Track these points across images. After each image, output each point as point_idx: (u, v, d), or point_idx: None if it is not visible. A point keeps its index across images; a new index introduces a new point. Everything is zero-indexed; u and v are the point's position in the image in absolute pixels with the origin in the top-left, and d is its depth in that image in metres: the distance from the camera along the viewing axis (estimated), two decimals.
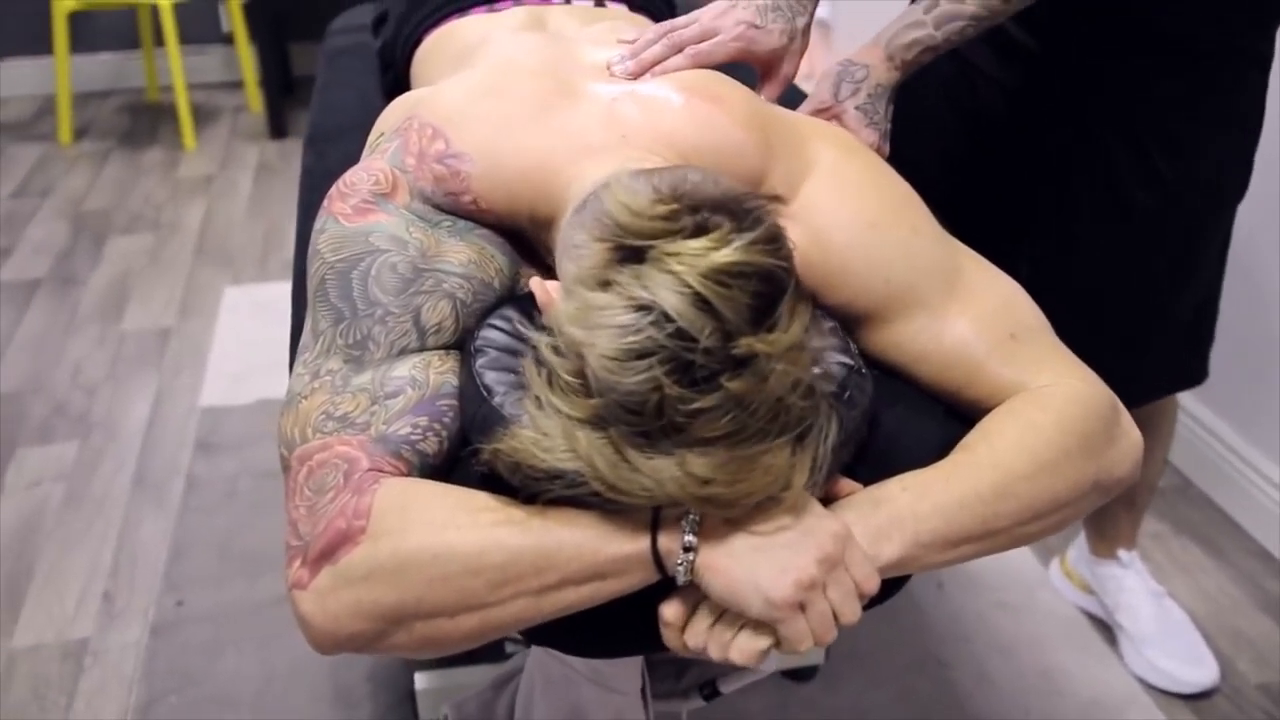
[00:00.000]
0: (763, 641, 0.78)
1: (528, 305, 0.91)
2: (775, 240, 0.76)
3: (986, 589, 1.87)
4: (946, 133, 1.44)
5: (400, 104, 1.08)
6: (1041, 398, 0.91)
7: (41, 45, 4.09)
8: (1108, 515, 1.75)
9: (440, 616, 0.79)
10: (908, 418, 0.94)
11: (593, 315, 0.73)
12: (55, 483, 2.13)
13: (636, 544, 0.77)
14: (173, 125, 3.92)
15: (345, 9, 2.04)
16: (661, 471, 0.72)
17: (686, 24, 1.11)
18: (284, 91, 4.01)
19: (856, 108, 1.14)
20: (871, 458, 0.88)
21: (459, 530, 0.79)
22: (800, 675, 1.69)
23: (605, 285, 0.74)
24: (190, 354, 2.56)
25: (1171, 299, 1.43)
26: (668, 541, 0.77)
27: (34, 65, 4.17)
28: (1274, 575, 1.92)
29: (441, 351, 0.91)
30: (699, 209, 0.75)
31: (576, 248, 0.80)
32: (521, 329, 0.90)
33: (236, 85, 4.31)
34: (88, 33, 4.16)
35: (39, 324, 2.68)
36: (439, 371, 0.89)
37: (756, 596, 0.75)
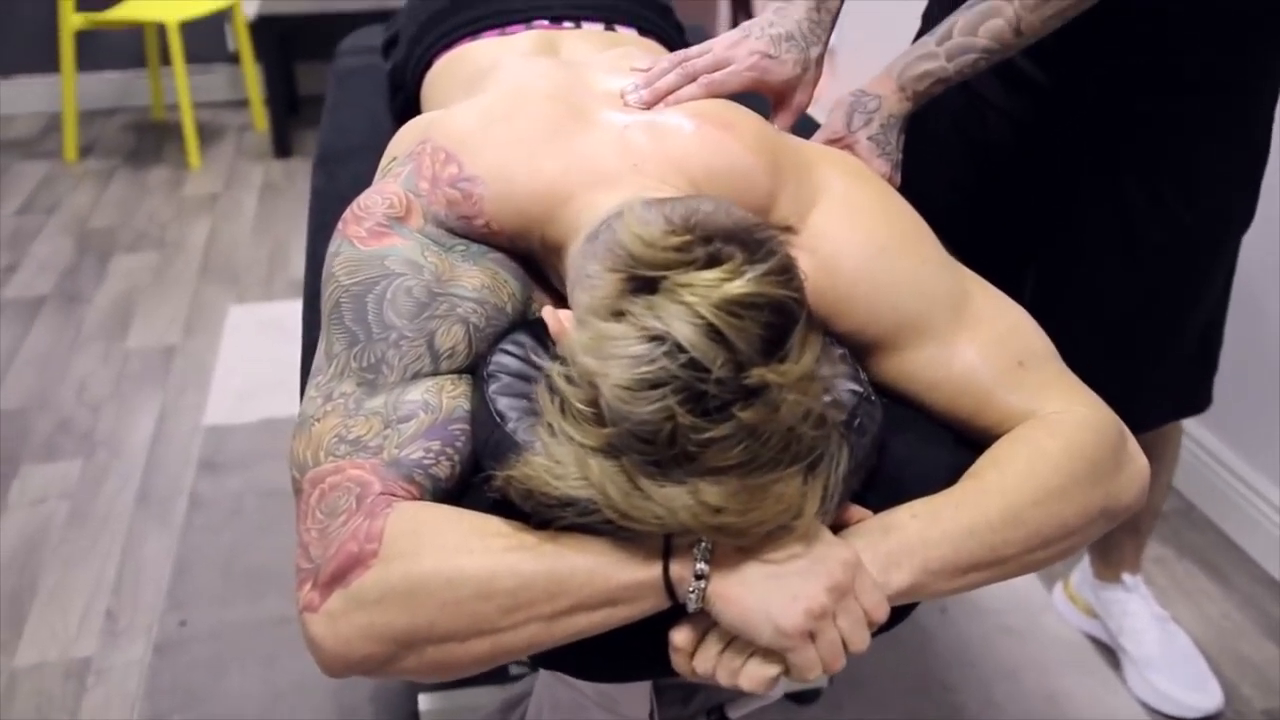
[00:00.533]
0: (772, 669, 0.78)
1: (540, 331, 0.92)
2: (787, 272, 0.76)
3: (990, 613, 1.87)
4: (955, 163, 1.45)
5: (412, 128, 1.08)
6: (1050, 424, 0.92)
7: (48, 63, 4.11)
8: (1112, 540, 1.75)
9: (451, 641, 0.79)
10: (917, 445, 0.95)
11: (606, 345, 0.73)
12: (59, 500, 2.13)
13: (649, 571, 0.78)
14: (178, 144, 3.94)
15: (351, 28, 2.05)
16: (674, 500, 0.72)
17: (700, 53, 1.12)
18: (289, 111, 4.03)
19: (869, 138, 1.15)
20: (881, 485, 0.89)
21: (471, 555, 0.79)
22: (804, 698, 1.69)
23: (618, 315, 0.74)
24: (195, 372, 2.57)
25: (1177, 326, 1.43)
26: (680, 569, 0.77)
27: (40, 83, 4.19)
28: (1278, 600, 1.91)
29: (454, 376, 0.92)
30: (711, 239, 0.75)
31: (589, 278, 0.80)
32: (534, 356, 0.90)
33: (242, 104, 4.33)
34: (94, 51, 4.18)
35: (44, 341, 2.69)
36: (451, 396, 0.90)
37: (767, 625, 0.76)
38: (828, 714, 1.67)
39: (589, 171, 0.96)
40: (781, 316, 0.74)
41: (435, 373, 0.91)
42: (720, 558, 0.77)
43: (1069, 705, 1.70)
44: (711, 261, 0.74)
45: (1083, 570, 1.85)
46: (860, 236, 0.98)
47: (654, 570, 0.77)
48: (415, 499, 0.86)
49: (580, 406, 0.75)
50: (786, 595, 0.76)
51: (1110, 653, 1.80)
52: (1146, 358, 1.44)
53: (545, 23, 1.29)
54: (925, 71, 1.14)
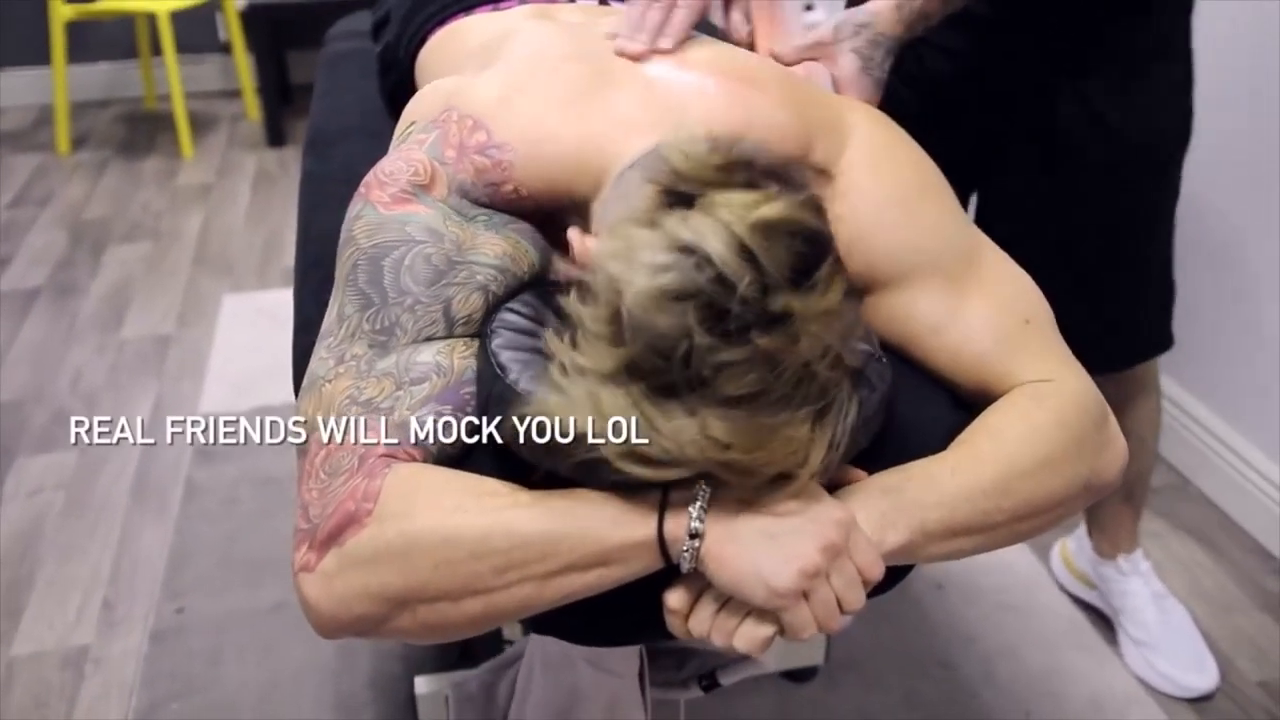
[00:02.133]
0: (766, 629, 0.79)
1: (547, 292, 0.91)
2: (820, 207, 0.78)
3: (987, 590, 1.87)
4: (899, 102, 1.46)
5: (434, 93, 1.07)
6: (1043, 396, 0.92)
7: (39, 55, 4.09)
8: (1108, 512, 1.75)
9: (444, 600, 0.80)
10: (916, 405, 0.95)
11: (635, 252, 0.73)
12: (55, 491, 2.13)
13: (643, 530, 0.78)
14: (171, 134, 3.93)
15: (343, 16, 2.04)
16: (682, 433, 0.72)
17: None
18: (282, 99, 4.02)
19: (854, 49, 1.14)
20: (880, 446, 0.89)
21: (466, 514, 0.79)
22: (800, 676, 1.69)
23: (651, 225, 0.75)
24: (190, 362, 2.56)
25: (1133, 258, 1.45)
26: (674, 528, 0.77)
27: (32, 75, 4.18)
28: (1272, 573, 1.92)
29: (467, 339, 0.91)
30: (752, 168, 0.77)
31: (626, 194, 0.81)
32: (541, 311, 0.90)
33: (234, 94, 4.32)
34: (85, 42, 4.17)
35: (38, 333, 2.68)
36: (463, 356, 0.89)
37: (760, 585, 0.76)
38: (824, 692, 1.68)
39: (621, 125, 0.96)
40: (813, 246, 0.75)
41: (449, 336, 0.90)
42: (714, 517, 0.77)
43: (1067, 681, 1.70)
44: (750, 187, 0.75)
45: (1079, 539, 1.85)
46: (886, 179, 0.99)
47: (648, 529, 0.78)
48: (419, 461, 0.86)
49: (596, 326, 0.74)
50: (780, 555, 0.76)
51: (1107, 628, 1.80)
52: (1105, 292, 1.45)
53: None
54: None
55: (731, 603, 0.79)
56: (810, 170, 0.82)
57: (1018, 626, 1.80)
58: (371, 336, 0.89)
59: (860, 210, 0.97)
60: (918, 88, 1.43)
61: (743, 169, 0.77)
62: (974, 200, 1.52)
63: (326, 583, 0.81)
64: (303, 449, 0.89)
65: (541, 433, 0.76)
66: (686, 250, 0.72)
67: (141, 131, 4.01)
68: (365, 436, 0.85)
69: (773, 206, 0.73)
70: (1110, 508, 1.74)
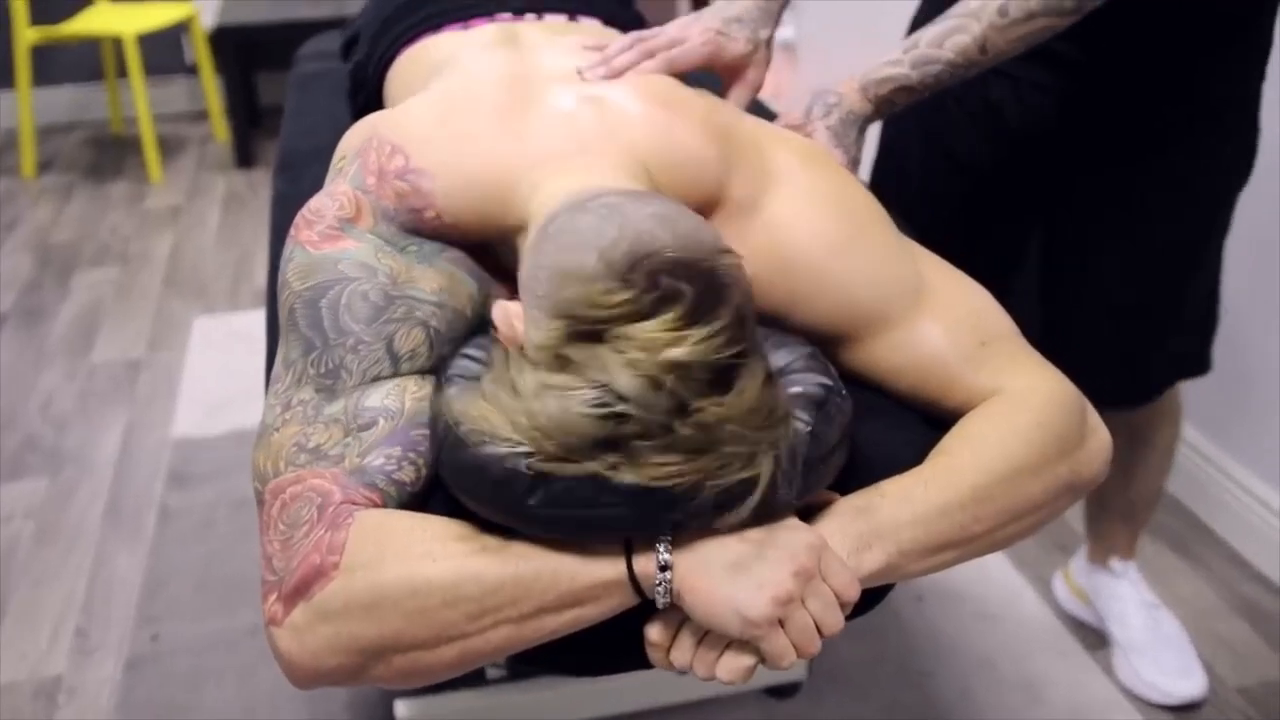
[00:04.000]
0: (747, 660, 0.78)
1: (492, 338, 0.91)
2: (737, 323, 0.75)
3: (967, 599, 1.87)
4: (962, 136, 1.47)
5: (361, 126, 1.07)
6: (1016, 400, 0.92)
7: (3, 79, 4.06)
8: (1105, 527, 1.76)
9: (419, 649, 0.78)
10: (888, 430, 0.95)
11: (549, 392, 0.73)
12: (26, 519, 2.10)
13: (613, 568, 0.77)
14: (138, 157, 3.90)
15: (312, 37, 2.04)
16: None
17: (654, 34, 1.12)
18: (251, 121, 4.00)
19: (827, 127, 1.15)
20: (851, 471, 0.89)
21: (434, 562, 0.78)
22: (783, 692, 1.69)
23: (563, 361, 0.74)
24: (162, 385, 2.54)
25: (1185, 288, 1.46)
26: (643, 564, 0.77)
27: None
28: (1248, 579, 1.93)
29: (418, 376, 0.90)
30: (658, 280, 0.74)
31: (535, 318, 0.79)
32: (492, 355, 0.89)
33: (202, 115, 4.30)
34: (50, 66, 4.14)
35: (6, 358, 2.65)
36: (415, 397, 0.88)
37: (734, 616, 0.75)
38: (808, 707, 1.67)
39: (537, 155, 0.95)
40: (725, 373, 0.74)
41: (395, 374, 0.90)
42: (683, 548, 0.76)
43: (1047, 690, 1.71)
44: (657, 307, 0.73)
45: (1079, 557, 1.86)
46: (816, 229, 0.97)
47: (618, 567, 0.77)
48: (379, 506, 0.84)
49: (521, 422, 0.75)
50: (752, 584, 0.75)
51: (1087, 636, 1.81)
52: (1158, 322, 1.46)
53: (508, 15, 1.29)
54: (889, 76, 1.14)
55: (711, 634, 0.78)
56: (726, 254, 0.80)
57: (998, 636, 1.81)
58: (318, 380, 0.88)
59: (796, 267, 0.96)
60: (983, 123, 1.43)
61: (647, 288, 0.74)
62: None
63: (297, 636, 0.80)
64: (258, 497, 0.87)
65: (459, 425, 0.77)
66: (600, 387, 0.72)
67: (109, 154, 3.98)
68: (320, 486, 0.84)
69: (680, 350, 0.72)
70: (1109, 524, 1.75)
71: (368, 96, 1.40)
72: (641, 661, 0.83)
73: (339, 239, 0.93)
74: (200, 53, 3.94)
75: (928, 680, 1.73)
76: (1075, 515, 1.99)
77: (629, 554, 0.77)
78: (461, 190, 0.95)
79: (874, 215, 1.01)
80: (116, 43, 3.98)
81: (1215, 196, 1.42)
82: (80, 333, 2.77)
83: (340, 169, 1.01)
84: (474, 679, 1.58)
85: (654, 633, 0.80)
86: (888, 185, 1.55)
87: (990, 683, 1.72)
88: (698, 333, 0.73)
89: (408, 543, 0.80)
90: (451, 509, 0.83)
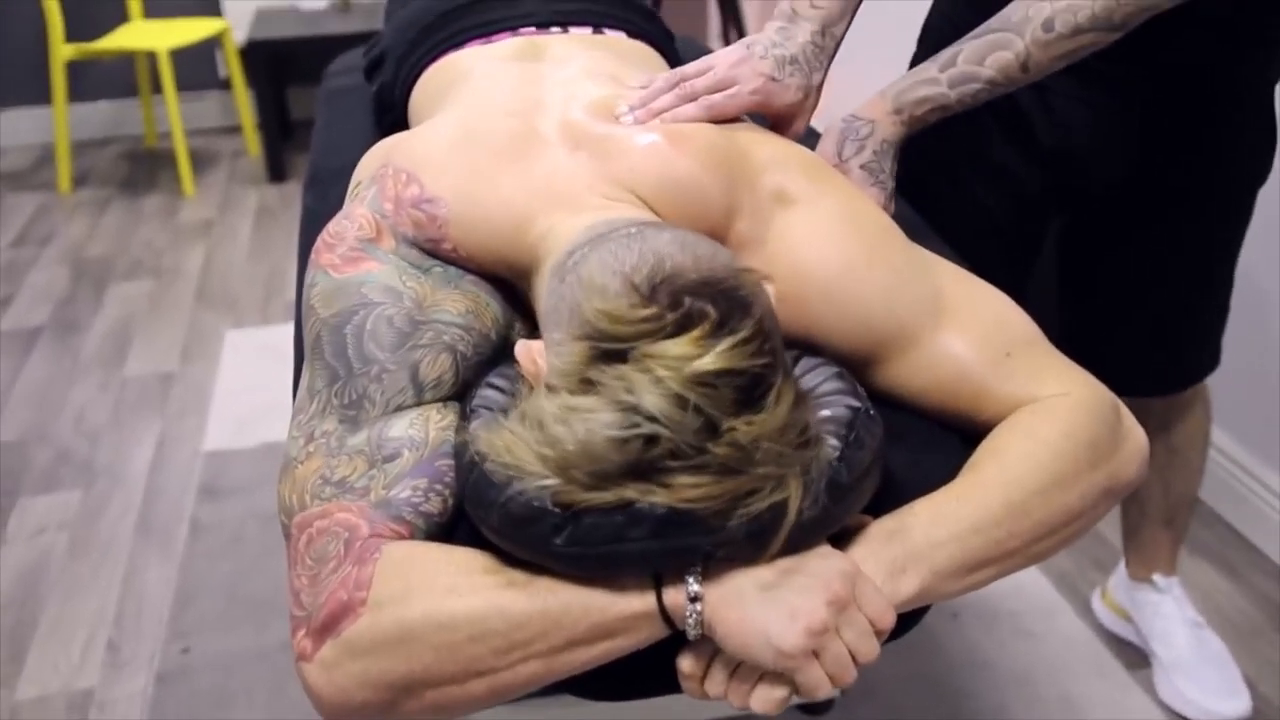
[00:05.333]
0: (781, 691, 0.77)
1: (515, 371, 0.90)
2: (760, 335, 0.74)
3: (1003, 616, 1.85)
4: (983, 131, 1.44)
5: (376, 150, 1.06)
6: (1046, 409, 0.90)
7: (40, 95, 4.11)
8: (1146, 536, 1.72)
9: (449, 684, 0.78)
10: (918, 451, 0.93)
11: (575, 416, 0.72)
12: (59, 531, 2.11)
13: (643, 601, 0.76)
14: (171, 171, 3.93)
15: (341, 52, 2.04)
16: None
17: (699, 72, 1.09)
18: (282, 135, 4.02)
19: (861, 166, 1.12)
20: (883, 494, 0.87)
21: (460, 597, 0.77)
22: (816, 709, 1.67)
23: (587, 384, 0.73)
24: (193, 399, 2.55)
25: (1202, 282, 1.44)
26: (673, 595, 0.75)
27: (33, 115, 4.19)
28: None
29: (440, 405, 0.89)
30: (680, 300, 0.74)
31: (558, 343, 0.79)
32: (516, 386, 0.88)
33: (235, 130, 4.33)
34: (85, 81, 4.18)
35: (41, 372, 2.67)
36: (439, 427, 0.87)
37: (768, 648, 0.74)
38: None
39: (544, 195, 0.95)
40: (755, 382, 0.73)
41: (419, 403, 0.89)
42: (714, 578, 0.75)
43: (1084, 708, 1.68)
44: (682, 326, 0.73)
45: (1118, 574, 1.83)
46: (827, 252, 0.96)
47: (647, 600, 0.76)
48: (406, 539, 0.84)
49: (546, 453, 0.73)
50: (784, 614, 0.74)
51: (1127, 654, 1.78)
52: (1170, 316, 1.44)
53: (532, 30, 1.28)
54: (925, 97, 1.11)
55: (744, 665, 0.77)
56: (747, 273, 0.79)
57: (1034, 653, 1.78)
58: (341, 411, 0.88)
59: (810, 292, 0.94)
60: (1007, 122, 1.40)
61: (670, 308, 0.73)
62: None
63: (327, 673, 0.79)
64: (285, 532, 0.87)
65: (484, 462, 0.76)
66: (628, 409, 0.71)
67: (142, 169, 4.01)
68: (346, 520, 0.83)
69: (706, 361, 0.71)
70: (1150, 532, 1.71)
71: (395, 118, 1.40)
72: (672, 686, 0.82)
73: (361, 261, 0.92)
74: (233, 67, 3.97)
75: (963, 699, 1.70)
76: (1112, 529, 1.96)
77: (659, 586, 0.76)
78: (475, 224, 0.94)
79: (886, 233, 1.00)
80: (151, 58, 4.01)
81: (1235, 187, 1.39)
82: (113, 346, 2.79)
83: (357, 194, 1.00)
84: None
85: (686, 664, 0.79)
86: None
87: (1027, 701, 1.69)
88: (723, 344, 0.72)
89: (434, 577, 0.79)
90: (477, 540, 0.82)
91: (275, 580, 1.94)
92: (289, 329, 2.85)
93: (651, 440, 0.70)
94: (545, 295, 0.87)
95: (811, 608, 0.74)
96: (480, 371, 0.91)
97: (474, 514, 0.81)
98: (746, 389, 0.72)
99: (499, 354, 0.94)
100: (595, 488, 0.72)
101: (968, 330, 0.94)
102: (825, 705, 1.67)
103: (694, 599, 0.75)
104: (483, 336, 0.93)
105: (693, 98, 1.06)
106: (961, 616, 1.84)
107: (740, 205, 0.97)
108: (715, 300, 0.74)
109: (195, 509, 2.14)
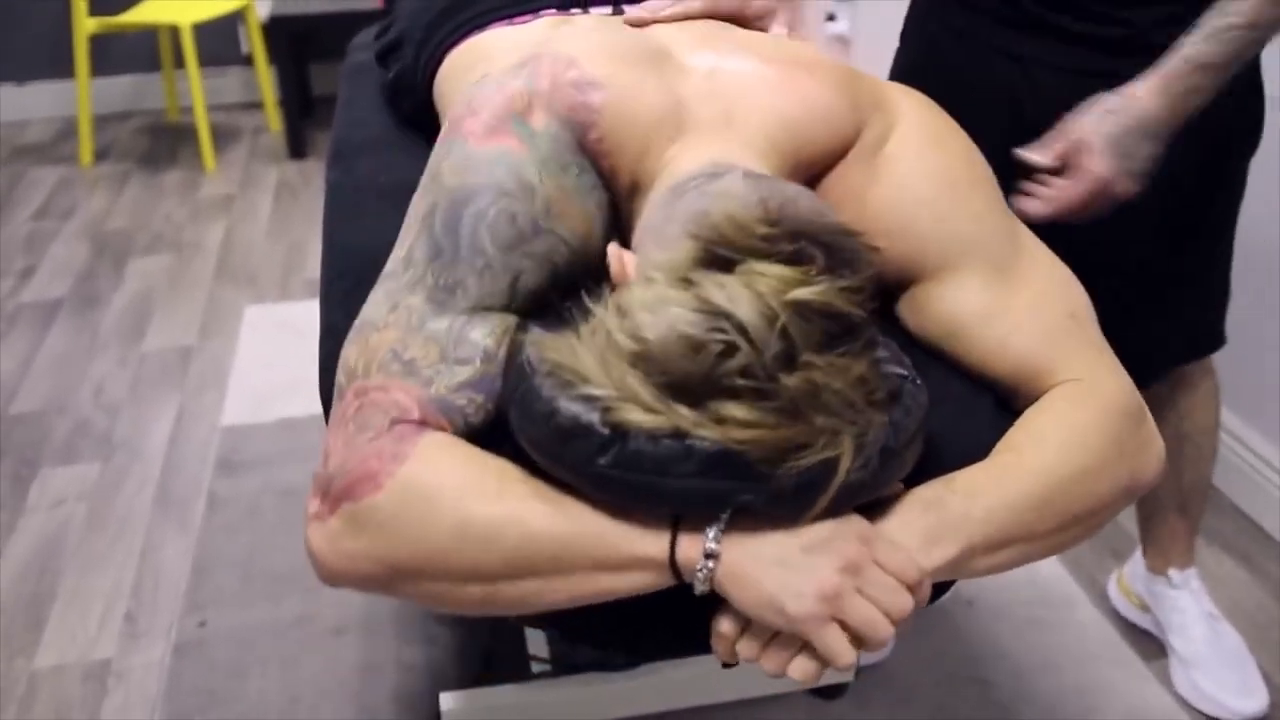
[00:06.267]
0: (814, 663, 0.77)
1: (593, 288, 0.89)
2: (862, 291, 0.76)
3: (1020, 604, 1.84)
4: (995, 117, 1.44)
5: (513, 50, 1.05)
6: (1082, 396, 0.91)
7: (63, 69, 4.12)
8: (1161, 525, 1.72)
9: (447, 580, 0.79)
10: (956, 418, 0.93)
11: (665, 307, 0.72)
12: (78, 503, 2.12)
13: (657, 545, 0.76)
14: (193, 146, 3.94)
15: (364, 28, 2.04)
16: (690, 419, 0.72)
17: None
18: (303, 112, 4.02)
19: (1104, 134, 1.13)
20: (919, 461, 0.87)
21: (483, 500, 0.78)
22: (830, 693, 1.67)
23: (686, 283, 0.74)
24: (212, 373, 2.56)
25: (1198, 256, 1.44)
26: (689, 546, 0.76)
27: (55, 88, 4.20)
28: None
29: (520, 319, 0.89)
30: (800, 237, 0.75)
31: (668, 237, 0.80)
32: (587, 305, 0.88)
33: (256, 106, 4.33)
34: (108, 55, 4.18)
35: (61, 344, 2.68)
36: (513, 342, 0.87)
37: (776, 612, 0.74)
38: (855, 709, 1.65)
39: (684, 115, 0.95)
40: (846, 328, 0.74)
41: (507, 308, 0.88)
42: (731, 538, 0.75)
43: (1101, 697, 1.67)
44: (794, 259, 0.74)
45: (1134, 562, 1.82)
46: (935, 166, 0.98)
47: (661, 545, 0.76)
48: (448, 433, 0.84)
49: (623, 339, 0.74)
50: (796, 579, 0.74)
51: (1144, 644, 1.77)
52: (1168, 292, 1.44)
53: (553, 11, 1.27)
54: (1185, 56, 1.12)
55: (783, 634, 0.77)
56: (864, 242, 0.80)
57: (1051, 642, 1.77)
58: (432, 291, 0.87)
59: (909, 195, 0.97)
60: (1000, 103, 1.41)
61: (788, 239, 0.75)
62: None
63: (334, 538, 0.81)
64: (340, 392, 0.87)
65: (538, 373, 0.77)
66: (718, 314, 0.71)
67: (164, 143, 4.02)
68: (401, 400, 0.83)
69: (810, 289, 0.72)
70: (1165, 521, 1.71)
71: (415, 102, 1.39)
72: (701, 645, 0.82)
73: (504, 134, 0.90)
74: (255, 43, 3.97)
75: (977, 686, 1.70)
76: (1128, 516, 1.95)
77: (675, 532, 0.76)
78: (628, 117, 0.93)
79: (988, 175, 1.02)
80: (173, 32, 4.01)
81: (1228, 160, 1.39)
82: (133, 320, 2.80)
83: (491, 77, 0.97)
84: (518, 673, 1.58)
85: (724, 624, 0.79)
86: None
87: (1043, 689, 1.69)
88: (827, 282, 0.73)
89: (463, 473, 0.80)
90: (518, 459, 0.82)
91: (291, 555, 1.95)
92: (308, 305, 2.86)
93: (728, 351, 0.70)
94: (651, 211, 0.88)
95: (824, 573, 0.74)
96: (566, 296, 0.90)
97: (517, 425, 0.81)
98: (835, 332, 0.73)
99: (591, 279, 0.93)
100: (650, 408, 0.72)
101: (1041, 279, 0.97)
102: (839, 689, 1.67)
103: (710, 555, 0.75)
104: (583, 261, 0.92)
105: None
106: (977, 604, 1.84)
107: (865, 121, 1.00)
108: (829, 249, 0.76)
109: (213, 483, 2.15)
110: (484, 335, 0.86)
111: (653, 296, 0.73)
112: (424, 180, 0.92)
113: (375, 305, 0.89)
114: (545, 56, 0.95)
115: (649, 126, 0.93)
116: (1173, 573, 1.73)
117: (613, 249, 0.85)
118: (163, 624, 1.82)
